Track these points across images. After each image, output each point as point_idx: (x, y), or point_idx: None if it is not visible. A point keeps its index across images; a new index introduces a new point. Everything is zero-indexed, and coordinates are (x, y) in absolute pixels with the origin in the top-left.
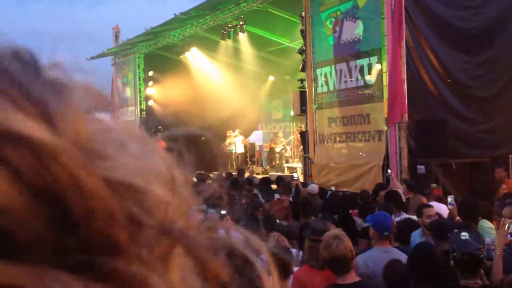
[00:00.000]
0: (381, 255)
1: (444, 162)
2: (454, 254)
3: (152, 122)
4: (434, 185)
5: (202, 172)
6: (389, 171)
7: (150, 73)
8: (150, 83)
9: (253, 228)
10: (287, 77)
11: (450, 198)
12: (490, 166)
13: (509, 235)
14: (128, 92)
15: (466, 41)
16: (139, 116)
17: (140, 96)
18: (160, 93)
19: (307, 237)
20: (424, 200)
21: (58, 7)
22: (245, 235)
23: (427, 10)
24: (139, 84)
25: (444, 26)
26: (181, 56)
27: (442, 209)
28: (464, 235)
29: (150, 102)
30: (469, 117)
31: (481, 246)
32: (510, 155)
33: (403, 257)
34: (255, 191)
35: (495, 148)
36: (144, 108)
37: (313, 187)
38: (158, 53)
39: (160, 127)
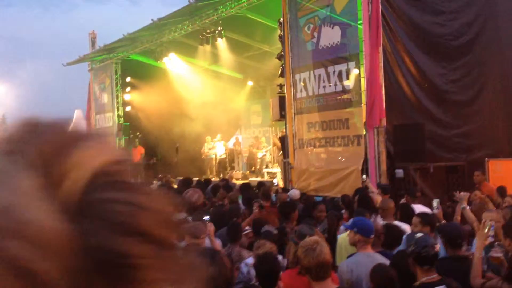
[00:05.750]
0: (365, 259)
1: (422, 166)
2: (413, 249)
3: (130, 128)
4: None
5: (184, 177)
6: (363, 176)
7: (128, 79)
8: (128, 89)
9: (235, 234)
10: (265, 83)
11: (435, 202)
12: (466, 170)
13: (489, 237)
14: (106, 98)
15: (442, 46)
16: (116, 122)
17: (117, 102)
18: (138, 99)
19: (294, 242)
20: (392, 204)
21: (31, 12)
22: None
23: (403, 16)
24: (117, 90)
25: (420, 32)
26: (159, 61)
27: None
28: (418, 234)
29: (128, 108)
30: (445, 121)
31: (436, 242)
32: (486, 159)
33: (385, 262)
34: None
35: (471, 152)
36: (122, 114)
37: (294, 193)
38: (135, 58)
39: (138, 133)
